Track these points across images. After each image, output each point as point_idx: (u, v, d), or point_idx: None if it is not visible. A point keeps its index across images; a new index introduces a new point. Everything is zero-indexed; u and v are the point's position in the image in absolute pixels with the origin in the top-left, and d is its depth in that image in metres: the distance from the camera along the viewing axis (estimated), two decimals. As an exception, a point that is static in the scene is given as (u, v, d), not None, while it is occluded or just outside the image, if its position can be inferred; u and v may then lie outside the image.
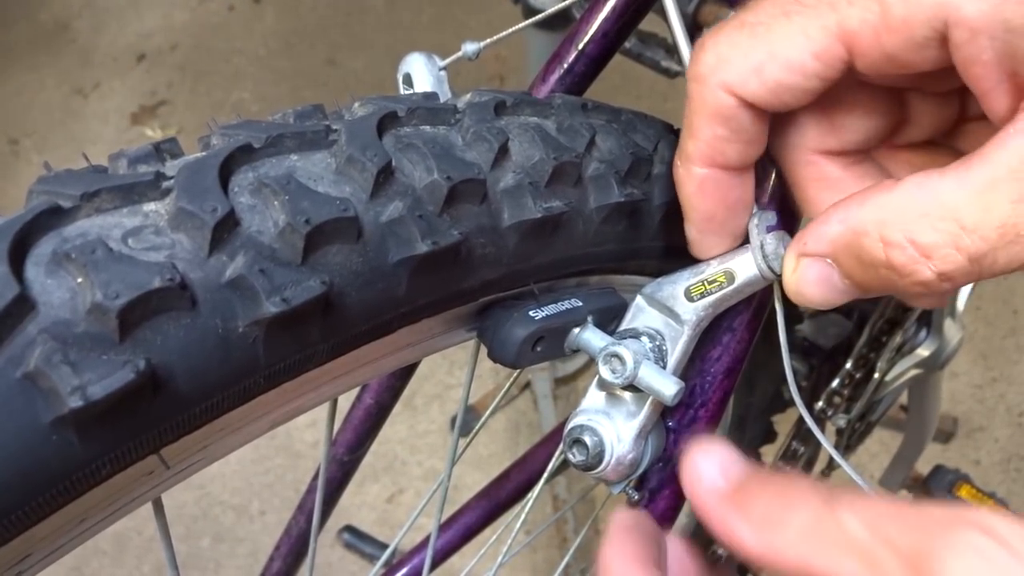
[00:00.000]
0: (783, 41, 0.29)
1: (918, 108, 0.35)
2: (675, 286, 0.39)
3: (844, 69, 0.30)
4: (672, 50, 0.89)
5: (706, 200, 0.34)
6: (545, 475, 0.59)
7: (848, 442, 0.85)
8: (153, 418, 0.24)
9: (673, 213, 0.41)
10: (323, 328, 0.28)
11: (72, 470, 0.23)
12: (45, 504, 0.23)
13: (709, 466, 0.26)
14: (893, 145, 0.36)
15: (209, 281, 0.24)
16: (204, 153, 0.26)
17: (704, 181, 0.34)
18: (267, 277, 0.25)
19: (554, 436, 0.88)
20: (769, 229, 0.36)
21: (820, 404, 0.81)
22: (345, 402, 0.59)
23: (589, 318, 0.38)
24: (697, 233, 0.36)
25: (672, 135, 0.43)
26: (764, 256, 0.35)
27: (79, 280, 0.22)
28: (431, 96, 0.35)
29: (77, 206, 0.24)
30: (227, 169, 0.26)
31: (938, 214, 0.27)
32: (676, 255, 0.43)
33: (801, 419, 0.84)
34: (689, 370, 0.48)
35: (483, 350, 0.44)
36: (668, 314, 0.39)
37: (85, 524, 0.28)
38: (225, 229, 0.25)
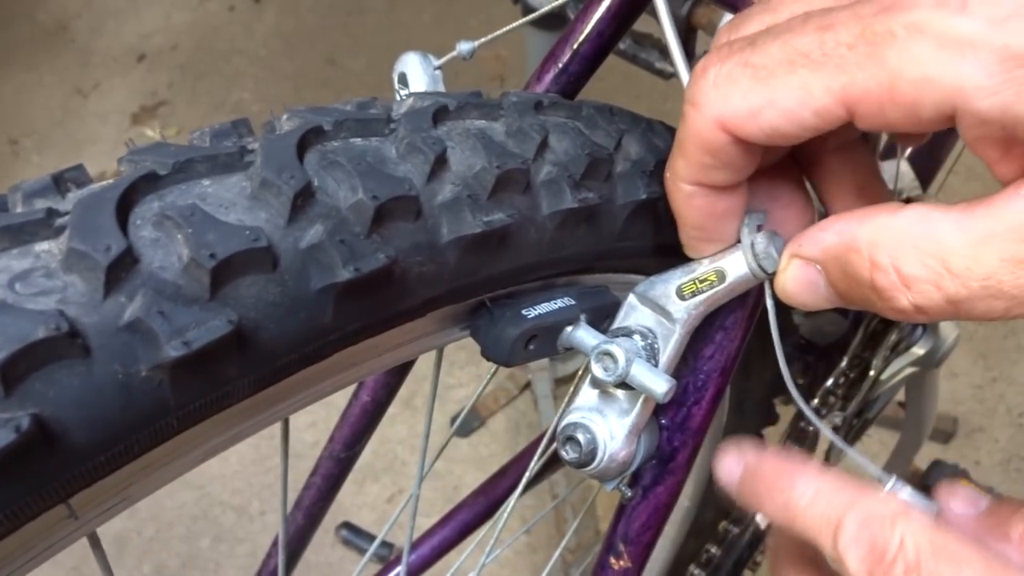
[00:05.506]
0: (784, 91, 0.29)
1: None
2: (667, 285, 0.39)
3: (843, 124, 0.29)
4: (667, 52, 0.87)
5: (694, 212, 0.35)
6: (528, 472, 0.58)
7: (844, 439, 0.83)
8: (52, 471, 0.23)
9: (640, 212, 0.39)
10: (240, 364, 0.26)
11: (-35, 529, 0.22)
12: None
13: (729, 460, 0.34)
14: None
15: (105, 325, 0.23)
16: (102, 184, 0.25)
17: (692, 195, 0.34)
18: (166, 319, 0.23)
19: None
20: (760, 228, 0.36)
21: (815, 403, 0.79)
22: (342, 398, 0.58)
23: (582, 316, 0.38)
24: (687, 239, 0.37)
25: (641, 126, 0.41)
26: (755, 255, 0.35)
27: (-43, 332, 0.21)
28: (365, 105, 0.33)
29: (-40, 249, 0.22)
30: (128, 201, 0.24)
31: (929, 251, 0.28)
32: (647, 254, 0.42)
33: (796, 419, 0.83)
34: (682, 368, 0.48)
35: (447, 356, 0.43)
36: (660, 312, 0.39)
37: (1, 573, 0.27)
38: (122, 268, 0.23)
